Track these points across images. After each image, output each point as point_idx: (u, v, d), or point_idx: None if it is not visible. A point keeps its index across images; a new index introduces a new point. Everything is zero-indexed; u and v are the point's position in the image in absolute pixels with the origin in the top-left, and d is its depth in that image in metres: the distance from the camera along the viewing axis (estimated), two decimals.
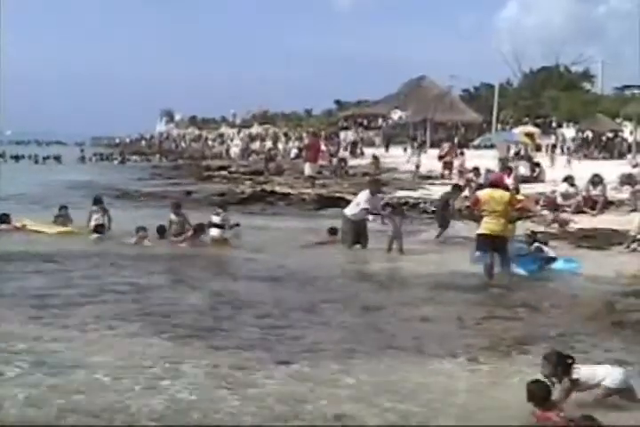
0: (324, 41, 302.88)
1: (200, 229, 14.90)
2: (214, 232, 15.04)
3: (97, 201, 16.46)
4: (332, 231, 15.75)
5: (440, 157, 32.32)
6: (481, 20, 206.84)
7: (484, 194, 12.16)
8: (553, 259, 12.75)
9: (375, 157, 35.03)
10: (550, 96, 60.13)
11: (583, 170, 21.84)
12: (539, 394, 5.89)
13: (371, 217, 15.25)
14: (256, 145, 59.56)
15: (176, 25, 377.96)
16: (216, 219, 15.12)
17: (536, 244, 13.01)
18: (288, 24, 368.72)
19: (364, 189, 15.65)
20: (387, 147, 50.49)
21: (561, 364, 6.20)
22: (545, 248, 13.01)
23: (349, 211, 15.12)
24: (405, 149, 47.75)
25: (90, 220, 15.92)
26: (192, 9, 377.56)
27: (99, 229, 15.42)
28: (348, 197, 22.19)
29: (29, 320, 8.73)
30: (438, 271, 12.50)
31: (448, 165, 30.39)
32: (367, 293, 11.01)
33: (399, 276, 12.59)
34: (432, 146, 50.76)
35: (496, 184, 12.36)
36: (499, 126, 55.20)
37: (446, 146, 34.35)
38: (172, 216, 15.38)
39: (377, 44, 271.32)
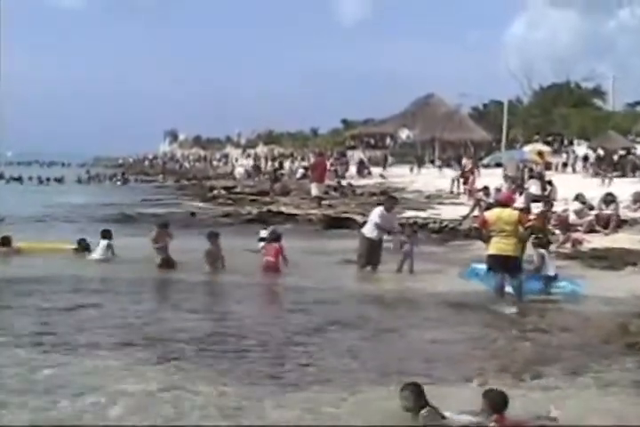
0: (329, 58, 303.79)
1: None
2: (261, 245, 15.57)
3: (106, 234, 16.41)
4: None
5: (462, 174, 32.46)
6: (488, 36, 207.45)
7: (491, 214, 12.20)
8: (554, 278, 12.68)
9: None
10: (561, 113, 60.30)
11: (595, 189, 21.90)
12: (499, 402, 5.98)
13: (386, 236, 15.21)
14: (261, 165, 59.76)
15: (181, 43, 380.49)
16: (264, 233, 15.80)
17: (541, 250, 12.89)
18: (292, 41, 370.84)
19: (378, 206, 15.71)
20: (384, 166, 50.64)
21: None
22: (546, 255, 12.87)
23: (367, 230, 15.14)
24: (412, 169, 47.94)
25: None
26: (195, 27, 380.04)
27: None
28: (356, 217, 22.32)
29: (24, 346, 8.73)
30: (448, 292, 12.52)
31: (467, 181, 30.56)
32: (376, 314, 11.02)
33: (408, 297, 12.60)
34: (441, 165, 50.95)
35: (504, 203, 12.40)
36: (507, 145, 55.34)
37: (469, 162, 34.43)
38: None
39: (383, 60, 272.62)
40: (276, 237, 14.97)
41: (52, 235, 19.67)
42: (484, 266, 12.41)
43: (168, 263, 14.54)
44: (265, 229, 16.37)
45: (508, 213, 11.95)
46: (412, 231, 15.76)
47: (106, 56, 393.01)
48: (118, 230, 17.80)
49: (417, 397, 6.19)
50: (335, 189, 32.58)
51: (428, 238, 19.46)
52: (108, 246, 15.69)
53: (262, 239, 15.90)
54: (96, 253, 15.67)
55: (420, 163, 51.07)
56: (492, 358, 8.68)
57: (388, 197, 17.01)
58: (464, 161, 36.15)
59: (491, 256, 11.87)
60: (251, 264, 14.79)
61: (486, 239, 12.17)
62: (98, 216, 26.73)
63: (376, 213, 15.12)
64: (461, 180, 31.71)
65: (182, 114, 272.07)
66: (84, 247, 16.21)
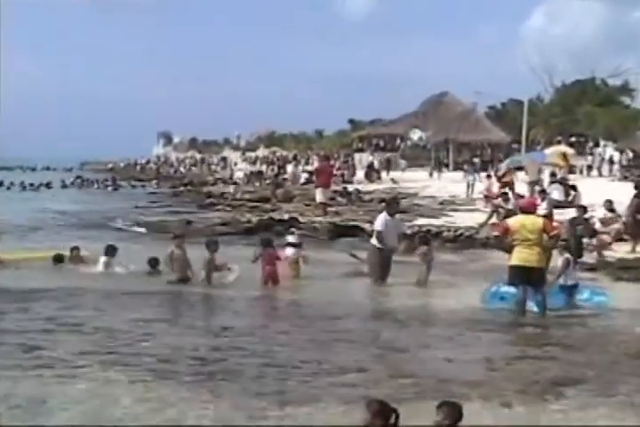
0: (334, 56, 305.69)
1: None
2: (289, 251, 15.61)
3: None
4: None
5: (499, 178, 32.44)
6: (504, 30, 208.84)
7: (514, 221, 12.12)
8: (575, 286, 12.62)
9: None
10: (585, 112, 60.25)
11: (624, 194, 21.81)
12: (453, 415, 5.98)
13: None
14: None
15: (173, 40, 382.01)
16: (291, 238, 15.87)
17: (566, 254, 12.82)
18: (295, 39, 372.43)
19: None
20: (387, 170, 50.64)
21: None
22: (571, 261, 12.81)
23: (376, 239, 15.06)
24: (431, 174, 47.94)
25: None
26: (191, 24, 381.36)
27: None
28: (364, 225, 22.30)
29: (14, 366, 8.71)
30: (464, 307, 12.49)
31: (508, 185, 30.51)
32: (386, 331, 10.99)
33: (421, 312, 12.58)
34: (456, 168, 51.00)
35: (528, 210, 12.31)
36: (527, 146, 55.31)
37: (503, 166, 34.42)
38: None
39: (392, 57, 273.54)
40: (267, 243, 15.00)
41: (39, 244, 19.76)
42: (509, 287, 12.29)
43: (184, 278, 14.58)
44: (292, 233, 16.26)
45: (532, 221, 11.87)
46: (427, 240, 15.66)
47: (93, 54, 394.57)
48: (110, 238, 17.84)
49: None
50: (342, 195, 32.59)
51: (441, 248, 19.44)
52: (109, 263, 15.85)
53: (290, 244, 15.92)
54: (97, 267, 15.93)
55: (440, 166, 51.10)
56: (512, 378, 8.65)
57: (390, 201, 16.85)
58: (499, 165, 36.03)
59: (513, 267, 11.79)
60: (252, 275, 14.80)
61: (509, 249, 12.08)
62: (88, 223, 26.80)
63: (378, 220, 15.10)
64: (494, 185, 31.55)
65: (177, 114, 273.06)
66: (58, 258, 16.51)
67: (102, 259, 15.87)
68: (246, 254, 15.69)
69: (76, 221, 28.39)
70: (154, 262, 15.59)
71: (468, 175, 35.59)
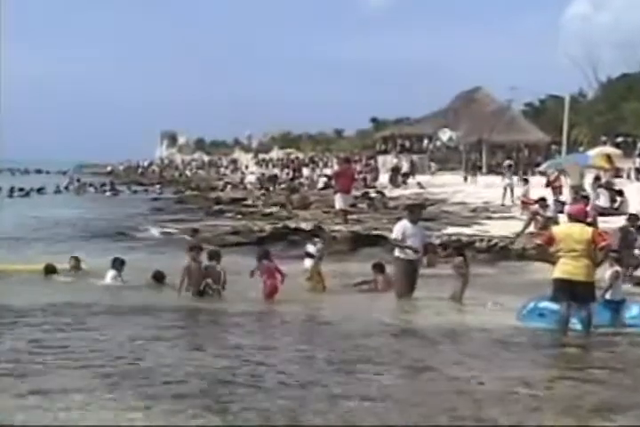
0: (354, 48, 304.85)
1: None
2: (307, 263, 15.94)
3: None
4: (379, 268, 15.97)
5: (549, 183, 32.44)
6: (542, 18, 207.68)
7: (560, 230, 12.08)
8: (622, 302, 12.60)
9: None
10: (633, 109, 60.00)
11: None
12: None
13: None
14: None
15: (178, 31, 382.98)
16: (312, 248, 16.20)
17: (616, 267, 12.78)
18: (311, 31, 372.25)
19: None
20: (412, 174, 50.63)
21: None
22: (621, 274, 12.78)
23: (402, 250, 15.11)
24: (466, 178, 47.88)
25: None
26: (198, 14, 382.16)
27: None
28: (388, 234, 22.32)
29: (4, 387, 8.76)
30: (499, 325, 12.49)
31: (557, 190, 30.54)
32: (413, 350, 11.01)
33: (450, 330, 12.58)
34: (489, 172, 50.95)
35: (576, 217, 12.20)
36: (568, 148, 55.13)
37: (543, 168, 34.44)
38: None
39: (419, 50, 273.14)
40: (264, 255, 15.09)
41: (28, 256, 19.91)
42: (549, 303, 12.28)
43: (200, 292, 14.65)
44: (314, 243, 16.42)
45: (579, 230, 11.75)
46: (462, 252, 15.64)
47: (91, 48, 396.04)
48: (111, 248, 17.99)
49: None
50: (366, 200, 32.60)
51: (473, 259, 19.42)
52: (116, 277, 16.09)
53: (309, 255, 16.11)
54: (105, 280, 16.22)
55: (476, 170, 51.04)
56: (551, 402, 8.64)
57: (412, 207, 16.74)
58: (548, 170, 35.92)
59: (556, 281, 11.74)
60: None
61: (554, 260, 12.05)
62: (86, 232, 26.96)
63: (397, 228, 15.11)
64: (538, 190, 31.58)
65: (182, 112, 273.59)
66: (50, 270, 16.72)
67: (110, 272, 16.09)
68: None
69: (70, 231, 28.53)
70: (159, 276, 15.79)
71: (506, 179, 35.54)
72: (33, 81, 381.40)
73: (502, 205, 31.61)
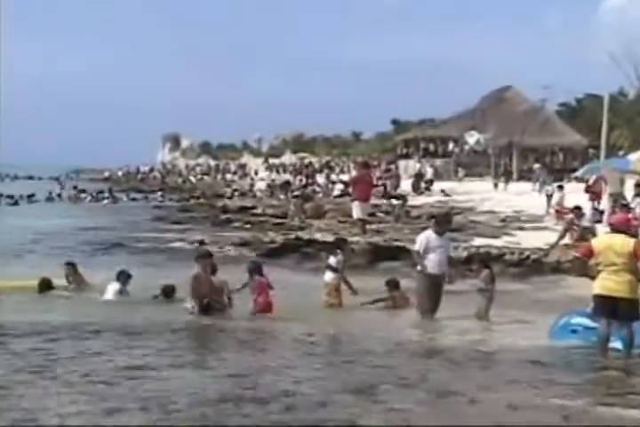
0: (373, 44, 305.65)
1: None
2: (328, 277, 16.03)
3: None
4: (393, 285, 16.02)
5: (587, 188, 32.39)
6: (576, 12, 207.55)
7: (599, 241, 12.03)
8: None
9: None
10: None
11: None
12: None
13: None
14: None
15: (182, 30, 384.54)
16: (333, 261, 16.24)
17: None
18: (326, 30, 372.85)
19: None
20: (430, 181, 50.68)
21: None
22: None
23: (427, 264, 15.08)
24: (496, 185, 47.83)
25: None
26: (203, 12, 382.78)
27: None
28: (410, 246, 22.35)
29: None
30: (531, 345, 12.50)
31: (597, 197, 30.52)
32: (438, 373, 11.03)
33: (478, 351, 12.59)
34: (521, 178, 50.91)
35: (619, 228, 12.04)
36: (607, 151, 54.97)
37: (594, 177, 34.36)
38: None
39: (443, 46, 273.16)
40: (255, 270, 15.15)
41: (16, 272, 20.01)
42: (583, 319, 12.26)
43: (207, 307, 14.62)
44: (334, 255, 16.48)
45: (621, 242, 11.63)
46: (488, 265, 15.65)
47: (89, 46, 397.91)
48: (110, 261, 18.05)
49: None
50: (388, 205, 32.58)
51: (503, 274, 19.43)
52: (121, 291, 16.18)
53: (330, 268, 16.21)
54: (107, 295, 16.31)
55: (508, 176, 50.98)
56: None
57: (441, 217, 16.55)
58: (588, 177, 35.81)
59: (596, 297, 11.70)
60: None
61: (592, 275, 12.02)
62: (80, 244, 27.04)
63: (420, 238, 15.14)
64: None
65: (186, 114, 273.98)
66: (46, 285, 16.81)
67: (114, 286, 16.13)
68: (270, 279, 15.87)
69: (63, 243, 28.59)
70: (168, 291, 15.87)
71: (546, 185, 35.42)
72: (29, 81, 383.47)
73: (547, 214, 31.39)
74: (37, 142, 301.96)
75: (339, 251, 16.62)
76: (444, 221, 15.86)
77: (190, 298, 14.49)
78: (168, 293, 15.98)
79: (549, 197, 33.06)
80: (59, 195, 61.06)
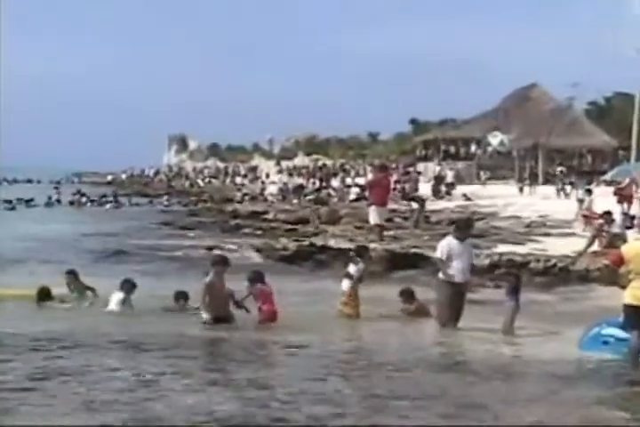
0: (389, 38, 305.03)
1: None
2: (345, 285, 15.99)
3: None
4: (406, 296, 16.05)
5: (618, 191, 32.37)
6: (607, 6, 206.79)
7: (630, 248, 12.03)
8: None
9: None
10: None
11: None
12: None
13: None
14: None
15: (188, 26, 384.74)
16: (352, 269, 16.16)
17: None
18: (339, 19, 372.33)
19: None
20: (452, 185, 50.60)
21: None
22: None
23: (443, 272, 15.11)
24: (522, 189, 47.72)
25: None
26: (211, 7, 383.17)
27: None
28: (430, 253, 22.36)
29: None
30: (558, 358, 12.49)
31: (625, 199, 30.48)
32: (458, 386, 11.03)
33: (501, 364, 12.59)
34: (547, 181, 50.82)
35: None
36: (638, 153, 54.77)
37: (627, 180, 34.36)
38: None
39: (464, 42, 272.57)
40: (258, 278, 15.17)
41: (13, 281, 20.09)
42: (615, 329, 12.28)
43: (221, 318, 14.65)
44: (355, 263, 16.43)
45: None
46: (517, 275, 15.60)
47: (91, 43, 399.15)
48: (112, 270, 18.09)
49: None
50: (407, 205, 32.54)
51: (528, 283, 19.38)
52: (125, 301, 16.21)
53: (349, 276, 16.22)
54: (111, 306, 16.29)
55: (534, 179, 50.82)
56: None
57: (462, 223, 16.53)
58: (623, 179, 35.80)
59: (627, 307, 11.70)
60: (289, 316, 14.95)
61: (623, 284, 12.02)
62: (82, 251, 27.08)
63: (443, 246, 15.17)
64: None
65: (193, 114, 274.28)
66: (45, 294, 16.93)
67: (117, 295, 16.16)
68: (283, 288, 15.91)
69: (64, 251, 28.62)
70: (182, 297, 15.89)
71: (579, 189, 35.34)
72: (29, 81, 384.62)
73: (575, 219, 31.28)
74: (37, 145, 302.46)
75: (359, 259, 16.60)
76: (464, 226, 15.87)
77: (203, 308, 14.51)
78: (180, 299, 15.95)
79: (581, 201, 32.88)
80: (58, 200, 60.81)
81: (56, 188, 69.15)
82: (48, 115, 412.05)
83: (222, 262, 14.99)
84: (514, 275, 15.33)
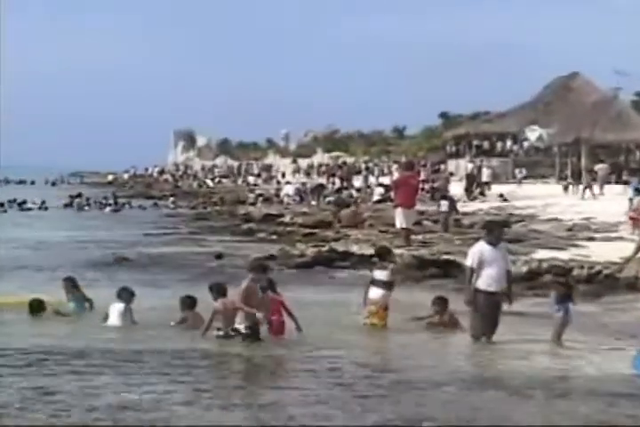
0: (415, 25, 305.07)
1: None
2: (375, 294, 15.77)
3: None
4: (440, 303, 16.00)
5: None
6: None
7: None
8: None
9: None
10: None
11: None
12: None
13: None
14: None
15: (195, 13, 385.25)
16: (381, 274, 15.95)
17: None
18: (364, 5, 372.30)
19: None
20: (486, 184, 50.45)
21: None
22: None
23: (482, 280, 14.98)
24: (566, 188, 47.48)
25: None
26: None
27: None
28: (461, 259, 22.31)
29: None
30: (606, 375, 12.47)
31: None
32: (496, 407, 10.99)
33: (544, 381, 12.54)
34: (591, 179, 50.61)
35: None
36: None
37: None
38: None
39: (500, 28, 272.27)
40: (269, 286, 15.11)
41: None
42: None
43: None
44: (383, 268, 16.29)
45: None
46: (568, 283, 15.51)
47: (90, 31, 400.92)
48: (112, 279, 18.13)
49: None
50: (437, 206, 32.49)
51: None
52: (126, 312, 16.18)
53: (377, 283, 16.06)
54: (111, 319, 16.24)
55: (577, 177, 50.56)
56: None
57: (492, 226, 16.56)
58: None
59: None
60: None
61: None
62: (78, 259, 27.15)
63: (475, 252, 15.13)
64: None
65: (201, 108, 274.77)
66: (37, 306, 17.03)
67: (117, 307, 16.15)
68: (301, 298, 15.89)
69: (59, 258, 28.67)
70: (189, 302, 15.87)
71: (629, 188, 35.19)
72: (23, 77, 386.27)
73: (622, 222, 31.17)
74: (32, 142, 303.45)
75: (385, 263, 16.43)
76: (496, 228, 15.81)
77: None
78: (189, 304, 15.88)
79: (631, 201, 32.72)
80: (42, 202, 60.28)
81: (79, 194, 69.06)
82: (43, 111, 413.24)
83: (261, 269, 14.97)
84: (563, 282, 15.21)
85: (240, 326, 14.38)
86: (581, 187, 45.44)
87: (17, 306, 17.34)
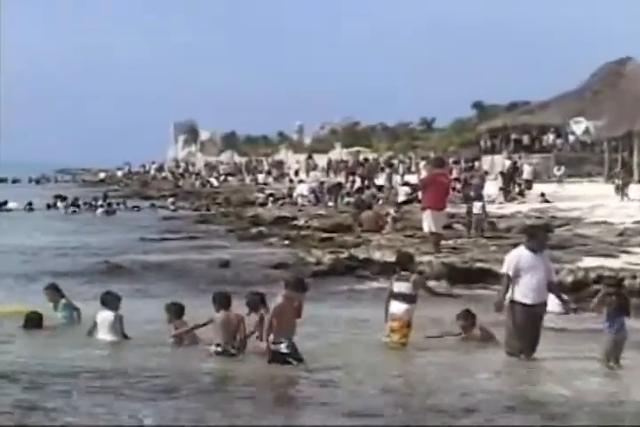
0: (447, 7, 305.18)
1: None
2: (396, 308, 15.73)
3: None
4: (466, 318, 15.97)
5: None
6: None
7: None
8: None
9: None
10: None
11: None
12: None
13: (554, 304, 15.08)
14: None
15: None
16: (401, 287, 15.87)
17: None
18: None
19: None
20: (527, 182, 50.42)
21: None
22: None
23: (519, 292, 14.96)
24: (619, 188, 47.34)
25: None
26: None
27: None
28: (497, 267, 22.27)
29: None
30: None
31: None
32: None
33: (593, 405, 12.50)
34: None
35: None
36: None
37: None
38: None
39: (541, 9, 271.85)
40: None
41: None
42: None
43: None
44: (405, 279, 16.10)
45: None
46: (622, 294, 15.45)
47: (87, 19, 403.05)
48: (101, 290, 18.09)
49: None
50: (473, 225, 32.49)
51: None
52: (116, 321, 16.16)
53: (397, 296, 15.94)
54: (101, 333, 16.21)
55: (628, 176, 50.45)
56: None
57: (533, 231, 16.52)
58: None
59: None
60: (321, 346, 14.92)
61: None
62: (63, 268, 27.23)
63: (512, 259, 15.07)
64: None
65: (204, 98, 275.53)
66: (35, 320, 17.04)
67: (105, 316, 16.11)
68: (315, 311, 15.87)
69: (35, 267, 28.71)
70: (176, 309, 15.86)
71: None
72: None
73: None
74: (19, 138, 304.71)
75: (405, 273, 16.33)
76: (539, 234, 15.74)
77: (268, 332, 14.31)
78: (177, 312, 15.83)
79: None
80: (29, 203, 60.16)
81: (76, 200, 69.08)
82: (33, 106, 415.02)
83: (301, 287, 14.73)
84: (617, 293, 15.13)
85: (281, 345, 14.21)
86: (633, 186, 45.47)
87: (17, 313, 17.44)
